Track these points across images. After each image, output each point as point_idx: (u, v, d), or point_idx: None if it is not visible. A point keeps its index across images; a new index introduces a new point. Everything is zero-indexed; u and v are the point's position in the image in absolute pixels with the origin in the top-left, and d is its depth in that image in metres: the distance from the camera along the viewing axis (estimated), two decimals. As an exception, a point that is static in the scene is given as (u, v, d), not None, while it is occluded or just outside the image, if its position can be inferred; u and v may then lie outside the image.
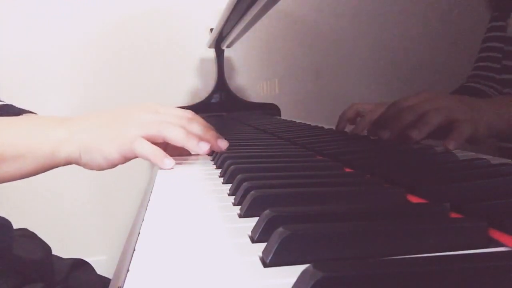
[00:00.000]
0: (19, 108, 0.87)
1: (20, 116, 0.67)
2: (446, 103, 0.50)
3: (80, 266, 0.81)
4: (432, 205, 0.32)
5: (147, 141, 0.54)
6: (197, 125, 0.58)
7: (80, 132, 0.55)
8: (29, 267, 0.69)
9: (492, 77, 0.45)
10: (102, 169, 0.57)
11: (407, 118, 0.53)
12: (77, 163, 0.56)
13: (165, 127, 0.55)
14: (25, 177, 0.55)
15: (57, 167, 0.56)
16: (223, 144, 0.59)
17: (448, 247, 0.25)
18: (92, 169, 0.57)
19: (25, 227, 0.84)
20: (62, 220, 1.67)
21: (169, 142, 0.56)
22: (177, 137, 0.55)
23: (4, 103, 0.87)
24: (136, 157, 0.55)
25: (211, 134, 0.59)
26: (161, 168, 0.55)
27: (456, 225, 0.27)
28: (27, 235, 0.82)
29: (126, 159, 0.56)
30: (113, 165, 0.56)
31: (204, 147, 0.56)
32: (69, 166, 0.58)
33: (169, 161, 0.55)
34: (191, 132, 0.56)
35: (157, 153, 0.54)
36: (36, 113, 0.86)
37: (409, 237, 0.25)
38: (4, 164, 0.52)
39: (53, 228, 1.61)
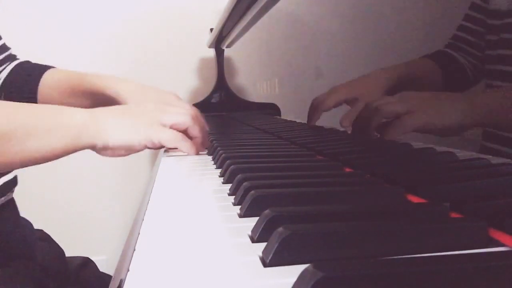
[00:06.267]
0: (37, 64, 0.88)
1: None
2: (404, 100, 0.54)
3: (86, 264, 0.82)
4: (432, 205, 0.32)
5: (171, 130, 0.59)
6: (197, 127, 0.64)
7: (104, 117, 0.57)
8: (47, 276, 0.69)
9: (466, 50, 0.45)
10: (122, 155, 0.60)
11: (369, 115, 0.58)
12: (97, 146, 0.57)
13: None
14: (50, 158, 0.55)
15: (80, 149, 0.57)
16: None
17: (448, 247, 0.25)
18: (111, 154, 0.59)
19: (41, 229, 0.84)
20: (62, 220, 1.67)
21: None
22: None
23: (21, 60, 0.88)
24: (158, 147, 0.60)
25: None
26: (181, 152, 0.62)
27: (456, 225, 0.27)
28: (44, 238, 0.82)
29: (146, 147, 0.59)
30: (134, 151, 0.59)
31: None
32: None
33: (190, 147, 0.62)
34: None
35: (180, 141, 0.60)
36: (55, 67, 0.86)
37: (409, 237, 0.25)
38: (36, 138, 0.53)
39: (53, 228, 1.61)
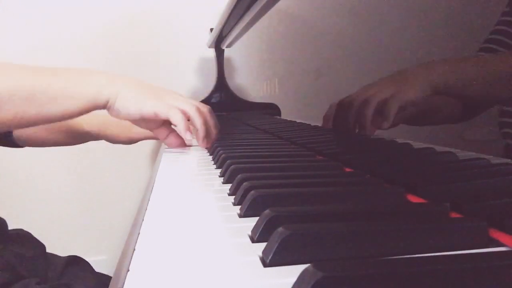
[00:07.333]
0: None
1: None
2: (372, 92, 0.54)
3: (76, 262, 0.81)
4: (432, 205, 0.32)
5: (181, 113, 0.65)
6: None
7: (120, 82, 0.63)
8: (23, 263, 0.69)
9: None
10: (127, 119, 0.66)
11: (348, 115, 0.61)
12: (110, 108, 0.63)
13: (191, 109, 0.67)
14: (70, 118, 0.62)
15: (96, 109, 0.63)
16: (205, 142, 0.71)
17: (448, 247, 0.25)
18: (118, 117, 0.65)
19: (20, 228, 0.84)
20: (62, 220, 1.67)
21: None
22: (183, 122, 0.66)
23: None
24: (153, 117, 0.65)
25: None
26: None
27: (456, 225, 0.27)
28: (22, 234, 0.82)
29: (151, 119, 0.66)
30: (139, 119, 0.65)
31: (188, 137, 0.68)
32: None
33: (189, 135, 0.67)
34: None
35: (185, 125, 0.65)
36: None
37: (409, 237, 0.25)
38: (56, 104, 0.59)
39: (54, 229, 1.61)
